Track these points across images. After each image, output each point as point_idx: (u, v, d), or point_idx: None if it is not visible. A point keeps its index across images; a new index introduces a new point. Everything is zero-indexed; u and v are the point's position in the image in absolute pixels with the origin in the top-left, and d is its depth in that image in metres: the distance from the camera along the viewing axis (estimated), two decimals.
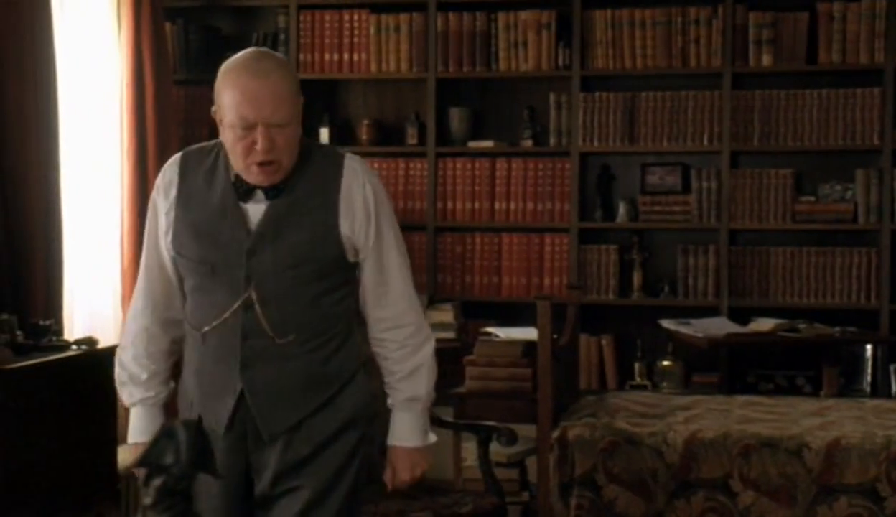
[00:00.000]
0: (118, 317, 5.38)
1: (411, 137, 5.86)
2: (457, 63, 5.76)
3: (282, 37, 5.88)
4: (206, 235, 2.57)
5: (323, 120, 5.90)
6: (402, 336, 2.69)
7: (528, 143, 5.78)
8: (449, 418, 4.56)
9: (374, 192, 2.63)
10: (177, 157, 2.67)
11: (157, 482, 2.21)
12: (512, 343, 4.64)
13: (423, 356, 2.71)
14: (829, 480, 3.91)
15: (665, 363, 5.52)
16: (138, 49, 5.36)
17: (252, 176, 2.53)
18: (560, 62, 5.67)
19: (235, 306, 2.54)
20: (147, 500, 2.20)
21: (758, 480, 3.94)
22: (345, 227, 2.57)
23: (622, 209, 5.70)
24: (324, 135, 5.89)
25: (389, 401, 2.75)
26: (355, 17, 5.84)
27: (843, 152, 5.45)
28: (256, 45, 5.92)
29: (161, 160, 5.46)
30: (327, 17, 5.86)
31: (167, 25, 5.73)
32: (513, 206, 5.76)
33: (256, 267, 2.55)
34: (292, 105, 2.53)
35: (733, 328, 5.20)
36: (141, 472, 2.35)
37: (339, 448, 2.61)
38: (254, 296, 2.54)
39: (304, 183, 2.58)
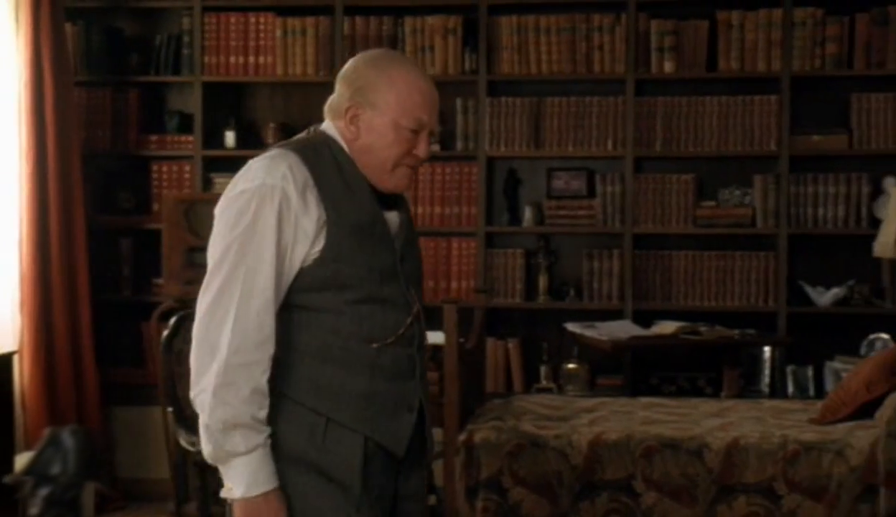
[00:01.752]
0: (16, 322, 5.26)
1: None
2: None
3: (186, 39, 5.81)
4: (368, 240, 2.34)
5: (229, 123, 5.84)
6: None
7: (435, 148, 5.79)
8: None
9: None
10: (290, 155, 2.32)
11: (43, 492, 2.15)
12: None
13: None
14: (728, 480, 3.99)
15: (570, 366, 5.58)
16: (37, 50, 5.26)
17: (394, 180, 2.37)
18: (467, 67, 5.70)
19: (411, 317, 2.38)
20: (33, 511, 2.13)
21: (660, 481, 4.00)
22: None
23: (528, 213, 5.74)
24: (229, 138, 5.83)
25: None
26: (261, 19, 5.80)
27: (742, 158, 5.57)
28: (159, 47, 5.85)
29: (62, 163, 5.37)
30: (233, 20, 5.81)
31: (68, 26, 5.63)
32: (420, 210, 5.77)
33: (407, 276, 2.42)
34: None
35: (637, 331, 5.28)
36: (28, 482, 2.22)
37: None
38: (416, 305, 2.41)
39: (400, 193, 2.47)
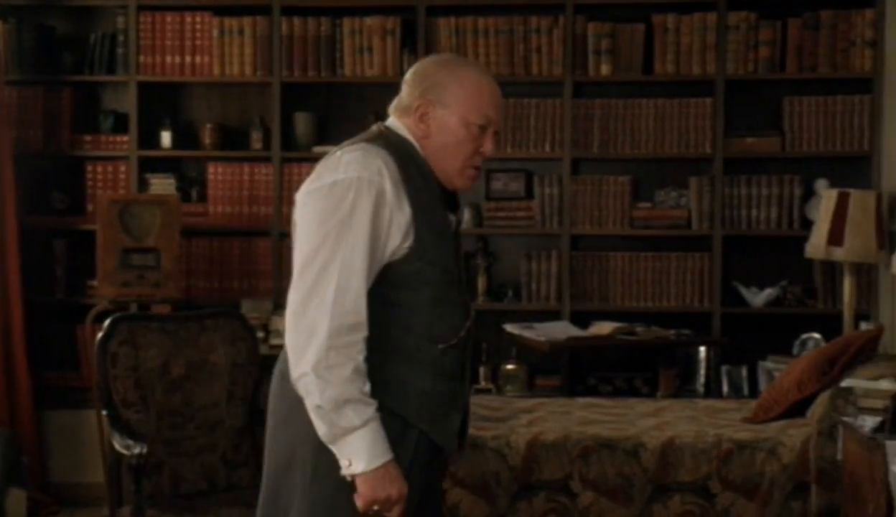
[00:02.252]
0: None
1: (256, 142, 5.79)
2: (302, 68, 5.73)
3: (121, 38, 5.74)
4: (441, 241, 2.41)
5: (164, 123, 5.78)
6: None
7: None
8: None
9: None
10: (378, 150, 2.38)
11: None
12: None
13: None
14: (663, 479, 4.03)
15: (509, 367, 5.60)
16: None
17: (463, 179, 2.45)
18: (405, 68, 5.67)
19: (471, 320, 2.47)
20: None
21: (597, 481, 4.04)
22: None
23: (467, 215, 5.75)
24: (165, 139, 5.77)
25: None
26: (198, 19, 5.75)
27: (678, 160, 5.63)
28: (93, 45, 5.78)
29: None
30: (168, 19, 5.75)
31: None
32: None
33: (461, 277, 2.49)
34: None
35: (574, 332, 5.31)
36: None
37: None
38: (471, 308, 2.50)
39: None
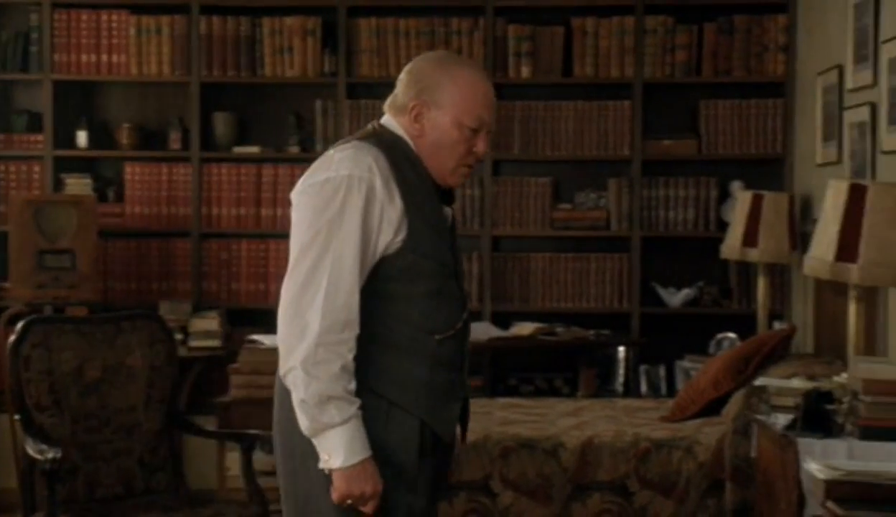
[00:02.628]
0: None
1: (174, 142, 5.73)
2: (221, 67, 5.68)
3: (34, 35, 5.64)
4: (436, 234, 2.46)
5: (80, 123, 5.69)
6: None
7: (295, 150, 5.76)
8: (212, 428, 4.49)
9: None
10: (370, 148, 2.42)
11: None
12: (277, 350, 4.60)
13: None
14: (582, 478, 4.07)
15: None
16: None
17: (455, 178, 2.49)
18: (326, 69, 5.68)
19: (467, 312, 2.52)
20: None
21: (517, 480, 4.06)
22: None
23: None
24: (81, 138, 5.68)
25: None
26: (114, 17, 5.67)
27: (597, 162, 5.69)
28: (6, 43, 5.66)
29: None
30: (84, 17, 5.66)
31: None
32: (279, 212, 5.73)
33: (458, 270, 2.53)
34: None
35: (496, 332, 5.34)
36: None
37: None
38: (467, 299, 2.56)
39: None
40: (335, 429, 2.34)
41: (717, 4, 5.58)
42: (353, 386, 2.36)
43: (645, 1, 5.55)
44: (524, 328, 5.34)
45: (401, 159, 2.44)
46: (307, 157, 5.72)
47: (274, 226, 5.73)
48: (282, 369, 2.40)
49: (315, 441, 2.37)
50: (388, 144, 2.44)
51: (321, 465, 2.39)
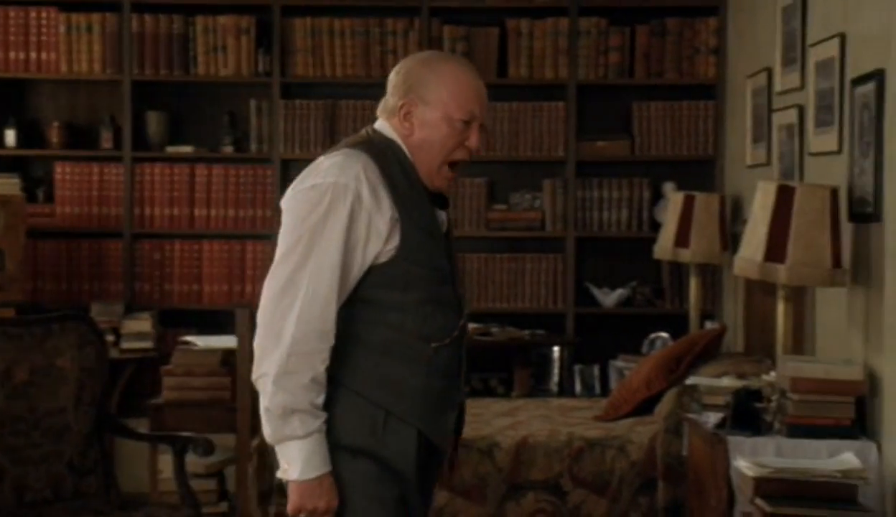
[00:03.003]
0: None
1: (106, 141, 5.66)
2: (153, 65, 5.62)
3: None
4: (429, 240, 2.41)
5: (8, 121, 5.59)
6: None
7: (229, 149, 5.72)
8: (144, 430, 4.44)
9: None
10: (360, 154, 2.39)
11: None
12: (211, 351, 4.57)
13: None
14: (517, 478, 4.09)
15: None
16: None
17: (440, 178, 2.43)
18: (260, 68, 5.64)
19: (464, 318, 2.48)
20: None
21: (452, 481, 4.06)
22: None
23: None
24: (10, 137, 5.59)
25: None
26: (43, 14, 5.58)
27: (532, 163, 5.73)
28: None
29: None
30: (12, 14, 5.56)
31: None
32: (213, 212, 5.68)
33: (454, 275, 2.48)
34: None
35: None
36: None
37: None
38: (464, 305, 2.50)
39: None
40: (296, 442, 2.32)
41: (649, 7, 5.64)
42: (320, 400, 2.34)
43: (579, 3, 5.59)
44: None
45: (392, 165, 2.41)
46: (241, 157, 5.69)
47: (208, 226, 5.68)
48: (254, 373, 2.36)
49: (276, 449, 2.36)
50: (380, 150, 2.42)
51: (278, 474, 2.38)
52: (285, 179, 5.74)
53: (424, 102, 2.41)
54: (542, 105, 5.65)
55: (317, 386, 2.33)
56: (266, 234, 5.67)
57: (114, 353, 5.15)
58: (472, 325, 5.31)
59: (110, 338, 5.23)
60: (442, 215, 2.48)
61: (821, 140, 4.00)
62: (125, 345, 5.42)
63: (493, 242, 5.76)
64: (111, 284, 5.64)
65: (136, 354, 5.41)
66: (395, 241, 2.37)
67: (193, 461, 4.47)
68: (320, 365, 2.33)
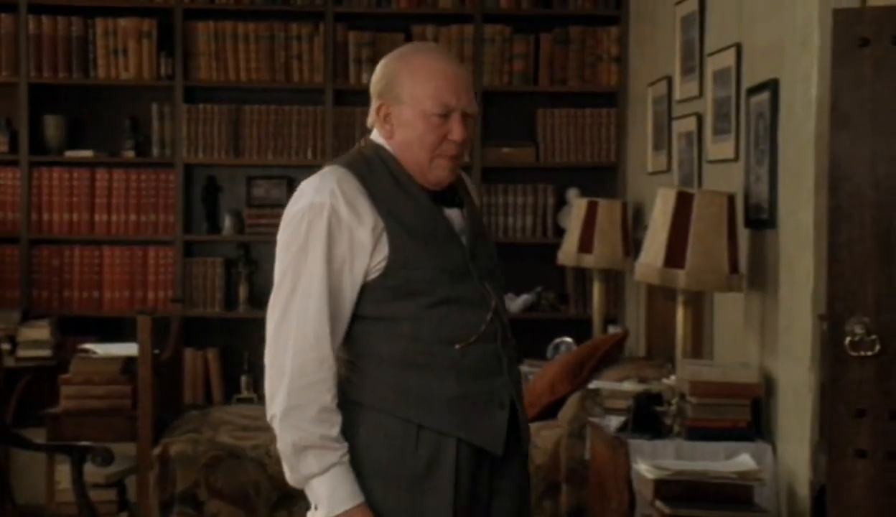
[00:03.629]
0: None
1: (2, 145, 5.53)
2: (52, 68, 5.51)
3: None
4: (432, 242, 2.30)
5: None
6: None
7: (131, 154, 5.63)
8: (41, 440, 4.34)
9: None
10: (340, 170, 2.28)
11: None
12: (111, 359, 4.50)
13: None
14: None
15: None
16: None
17: (436, 171, 2.30)
18: (163, 72, 5.57)
19: (491, 313, 2.31)
20: None
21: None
22: None
23: (228, 221, 5.68)
24: None
25: None
26: None
27: None
28: None
29: None
30: None
31: None
32: (114, 217, 5.59)
33: (481, 271, 2.35)
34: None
35: None
36: None
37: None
38: (493, 300, 2.34)
39: (461, 188, 2.41)
40: (316, 479, 2.23)
41: (552, 15, 5.70)
42: (334, 431, 2.23)
43: (483, 10, 5.63)
44: None
45: (377, 172, 2.31)
46: (143, 162, 5.61)
47: (108, 232, 5.58)
48: (267, 415, 2.28)
49: (306, 491, 2.28)
50: (365, 159, 2.32)
51: (309, 515, 2.28)
52: (188, 184, 5.68)
53: (399, 101, 2.30)
54: None
55: (326, 416, 2.23)
56: (169, 239, 5.59)
57: (9, 362, 5.03)
58: None
59: (6, 346, 5.12)
60: (455, 212, 2.36)
61: (718, 148, 4.09)
62: (21, 353, 5.30)
63: None
64: (7, 291, 5.51)
65: (33, 363, 5.29)
66: (384, 251, 2.27)
67: (92, 471, 4.39)
68: (326, 394, 2.23)
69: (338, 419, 2.24)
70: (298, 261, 2.25)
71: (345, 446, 2.24)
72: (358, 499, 2.24)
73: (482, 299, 2.32)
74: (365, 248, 2.26)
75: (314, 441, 2.22)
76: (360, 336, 2.29)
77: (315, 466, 2.22)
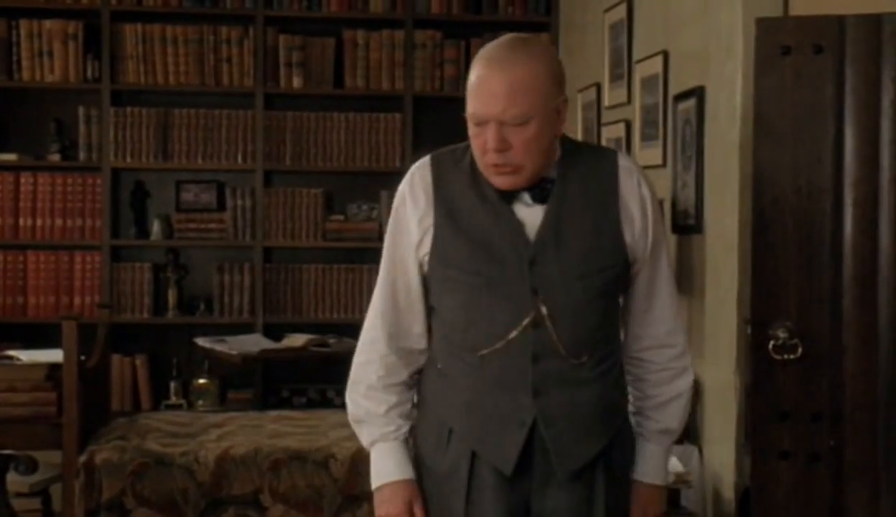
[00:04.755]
0: None
1: None
2: None
3: None
4: (478, 244, 2.24)
5: None
6: (666, 357, 2.35)
7: (56, 158, 5.54)
8: None
9: (650, 194, 2.31)
10: (425, 160, 2.34)
11: None
12: (35, 366, 4.41)
13: (684, 383, 2.37)
14: (352, 489, 4.08)
15: (201, 381, 5.51)
16: None
17: (492, 178, 2.23)
18: (89, 75, 5.49)
19: (524, 323, 2.21)
20: None
21: (287, 493, 4.03)
22: (627, 234, 2.27)
23: (157, 226, 5.62)
24: None
25: (637, 429, 2.39)
26: None
27: (369, 173, 5.74)
28: None
29: None
30: None
31: None
32: (39, 222, 5.50)
33: (542, 278, 2.21)
34: (534, 101, 2.16)
35: (267, 344, 5.29)
36: None
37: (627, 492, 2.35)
38: (544, 311, 2.20)
39: (576, 184, 2.26)
40: (370, 450, 2.38)
41: (483, 21, 5.73)
42: (382, 408, 2.34)
43: (414, 16, 5.64)
44: (296, 340, 5.31)
45: (460, 166, 2.29)
46: (69, 166, 5.53)
47: (33, 236, 5.49)
48: None
49: None
50: (459, 151, 2.32)
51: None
52: (116, 189, 5.61)
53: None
54: (379, 116, 5.67)
55: (374, 395, 2.34)
56: (96, 244, 5.52)
57: None
58: (309, 337, 5.31)
59: None
60: (533, 211, 2.24)
61: (647, 153, 4.13)
62: None
63: (330, 253, 5.75)
64: None
65: None
66: (427, 245, 2.28)
67: (16, 480, 4.31)
68: (372, 374, 2.34)
69: (388, 398, 2.34)
70: (386, 244, 2.37)
71: (394, 424, 2.34)
72: (396, 476, 2.33)
73: (518, 309, 2.22)
74: (413, 238, 2.30)
75: (362, 415, 2.36)
76: (431, 326, 2.36)
77: (365, 439, 2.38)
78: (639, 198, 2.28)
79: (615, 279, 2.27)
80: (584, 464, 2.26)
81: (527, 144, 2.18)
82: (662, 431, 2.37)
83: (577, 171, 2.27)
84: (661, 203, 3.69)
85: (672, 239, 3.78)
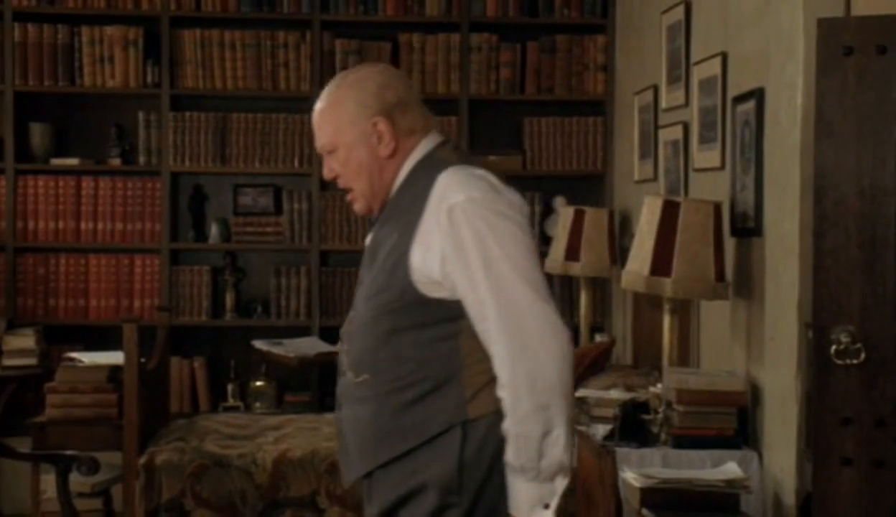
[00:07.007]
0: None
1: None
2: (37, 76, 5.49)
3: None
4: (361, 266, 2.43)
5: None
6: (500, 389, 2.21)
7: (117, 162, 5.61)
8: (26, 449, 4.32)
9: (460, 209, 2.18)
10: None
11: None
12: (97, 368, 4.48)
13: (510, 422, 2.18)
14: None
15: (258, 383, 5.55)
16: None
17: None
18: (149, 80, 5.56)
19: (344, 342, 2.38)
20: None
21: (344, 495, 4.05)
22: (417, 254, 2.20)
23: (214, 230, 5.67)
24: None
25: None
26: None
27: None
28: None
29: None
30: None
31: None
32: (100, 225, 5.58)
33: (357, 299, 2.35)
34: (335, 128, 2.28)
35: (324, 347, 5.30)
36: None
37: (407, 514, 2.26)
38: (345, 329, 2.36)
39: (397, 205, 2.29)
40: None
41: (539, 24, 5.71)
42: None
43: (470, 19, 5.64)
44: None
45: None
46: (129, 170, 5.60)
47: (94, 240, 5.57)
48: None
49: None
50: None
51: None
52: (175, 192, 5.67)
53: None
54: (435, 119, 5.66)
55: None
56: (155, 247, 5.58)
57: None
58: None
59: None
60: (373, 236, 2.36)
61: (704, 156, 4.10)
62: (7, 362, 5.28)
63: None
64: None
65: (18, 371, 5.27)
66: None
67: (78, 480, 4.37)
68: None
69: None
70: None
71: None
72: None
73: (347, 331, 2.36)
74: None
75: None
76: None
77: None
78: (445, 215, 2.18)
79: (397, 299, 2.22)
80: (358, 476, 2.33)
81: (346, 170, 2.29)
82: (508, 464, 2.23)
83: (405, 191, 2.28)
84: (719, 206, 3.66)
85: (731, 242, 3.74)
